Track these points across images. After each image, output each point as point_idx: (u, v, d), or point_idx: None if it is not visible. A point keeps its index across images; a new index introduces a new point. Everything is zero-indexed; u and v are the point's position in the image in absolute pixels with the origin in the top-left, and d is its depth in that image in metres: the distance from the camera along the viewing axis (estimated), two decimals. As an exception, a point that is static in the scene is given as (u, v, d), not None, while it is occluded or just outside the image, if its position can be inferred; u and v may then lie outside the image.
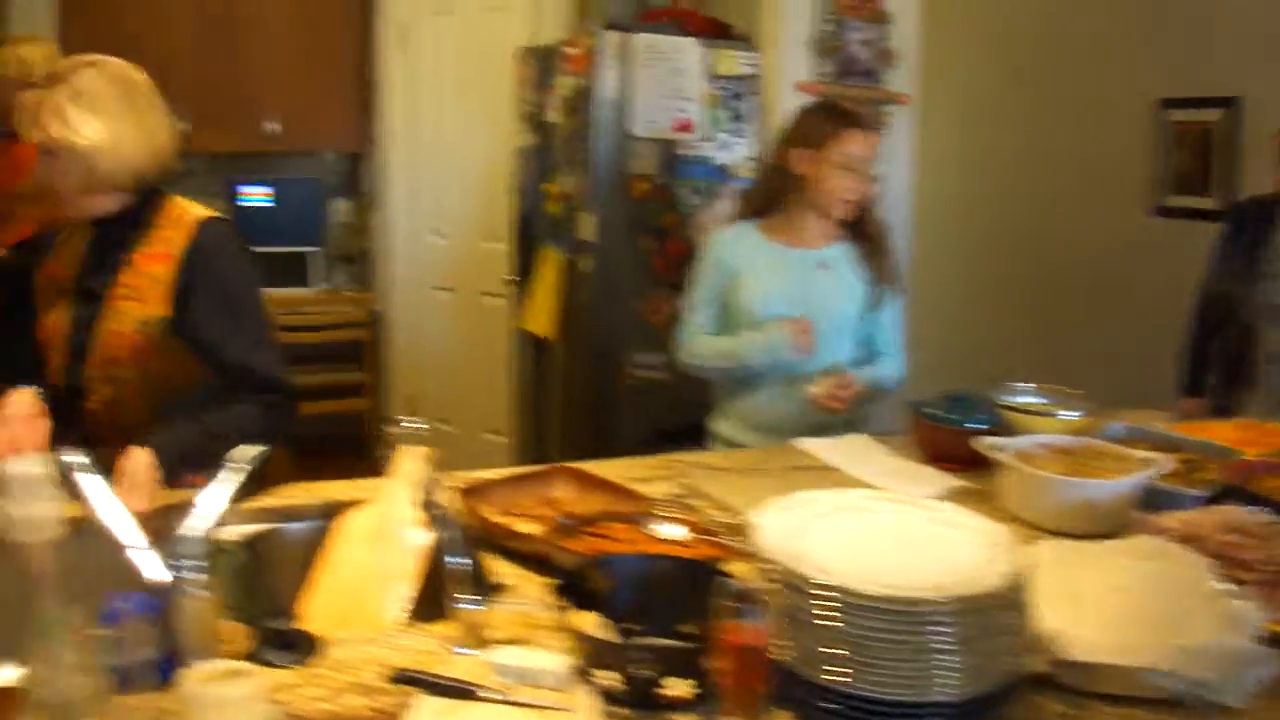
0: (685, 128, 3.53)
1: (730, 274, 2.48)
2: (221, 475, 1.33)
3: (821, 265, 2.48)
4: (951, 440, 2.12)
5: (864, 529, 1.35)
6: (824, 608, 1.15)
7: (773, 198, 2.48)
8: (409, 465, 1.93)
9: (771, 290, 2.42)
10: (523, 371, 4.22)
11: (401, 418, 1.61)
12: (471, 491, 1.84)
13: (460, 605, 1.38)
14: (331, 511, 1.81)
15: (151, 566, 1.30)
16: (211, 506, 1.29)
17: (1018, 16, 3.49)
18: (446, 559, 1.42)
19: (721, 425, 2.61)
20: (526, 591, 1.52)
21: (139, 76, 1.89)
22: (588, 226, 3.48)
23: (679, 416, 3.54)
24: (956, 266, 3.71)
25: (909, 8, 3.74)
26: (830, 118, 2.43)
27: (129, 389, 1.87)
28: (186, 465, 1.73)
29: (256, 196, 5.22)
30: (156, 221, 1.88)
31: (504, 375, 4.51)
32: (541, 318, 3.78)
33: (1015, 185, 3.53)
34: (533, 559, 1.61)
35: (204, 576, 1.23)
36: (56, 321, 1.92)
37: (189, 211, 1.91)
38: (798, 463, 2.19)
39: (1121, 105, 3.13)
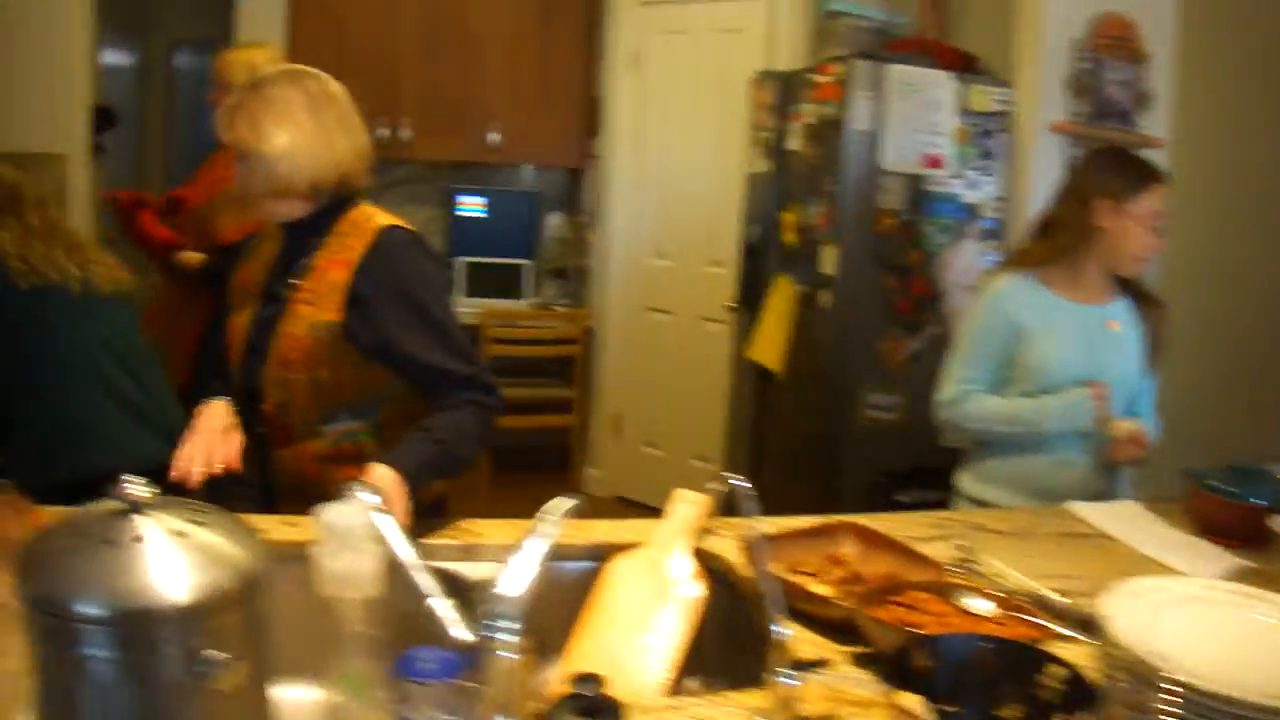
0: (935, 163, 3.41)
1: (1016, 329, 2.34)
2: (540, 529, 1.27)
3: (1108, 322, 2.34)
4: (1233, 514, 2.02)
5: (1213, 622, 1.27)
6: (1173, 705, 1.07)
7: (1063, 249, 2.34)
8: (685, 511, 1.89)
9: (1065, 350, 2.29)
10: (741, 400, 4.16)
11: (729, 476, 1.54)
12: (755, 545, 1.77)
13: (779, 677, 1.31)
14: (601, 554, 1.79)
15: (455, 623, 1.26)
16: (527, 564, 1.21)
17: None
18: (770, 624, 1.36)
19: (972, 484, 2.49)
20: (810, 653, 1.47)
21: (335, 90, 1.91)
22: (829, 259, 3.39)
23: (908, 460, 3.45)
24: (1199, 325, 3.46)
25: (1167, 47, 3.52)
26: (1135, 170, 2.29)
27: (298, 393, 1.88)
28: (422, 478, 1.74)
29: (472, 206, 5.33)
30: (341, 229, 1.89)
31: (718, 402, 4.45)
32: (769, 349, 3.71)
33: (1271, 239, 3.28)
34: (824, 622, 1.54)
35: (516, 638, 1.16)
36: (240, 323, 1.97)
37: (372, 219, 1.91)
38: (1072, 529, 2.10)
39: None
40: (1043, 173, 3.40)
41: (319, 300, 1.86)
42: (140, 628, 0.84)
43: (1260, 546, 1.88)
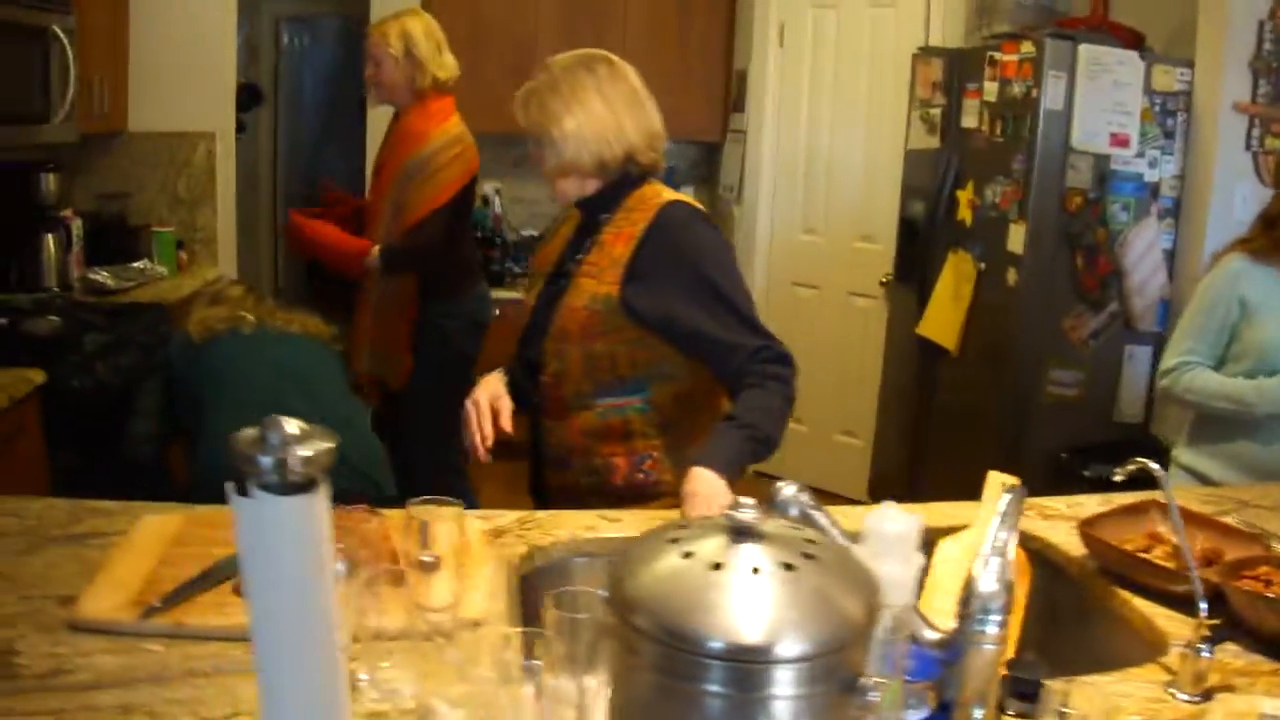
0: (1121, 143, 3.45)
1: (1244, 308, 2.41)
2: (1002, 508, 1.32)
3: None
4: None
5: None
6: None
7: None
8: (1000, 495, 1.96)
9: None
10: (897, 375, 4.23)
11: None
12: (1087, 524, 1.86)
13: (1194, 650, 1.38)
14: (927, 539, 1.84)
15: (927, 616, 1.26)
16: (1002, 549, 1.21)
17: None
18: (1197, 600, 1.42)
19: (1192, 458, 2.55)
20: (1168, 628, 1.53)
21: (625, 72, 1.98)
22: (1017, 237, 3.45)
23: (1087, 436, 3.52)
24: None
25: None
26: None
27: (573, 364, 1.92)
28: (737, 470, 1.76)
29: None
30: (628, 205, 1.93)
31: (867, 377, 4.52)
32: (943, 325, 3.78)
33: None
34: (1167, 596, 1.60)
35: (999, 630, 1.16)
36: (529, 300, 2.06)
37: (659, 195, 1.94)
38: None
39: None
40: (1223, 152, 3.45)
41: (601, 274, 1.91)
42: (764, 667, 0.79)
43: None
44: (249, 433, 0.79)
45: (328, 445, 0.79)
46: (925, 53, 4.12)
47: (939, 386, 3.93)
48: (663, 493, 1.92)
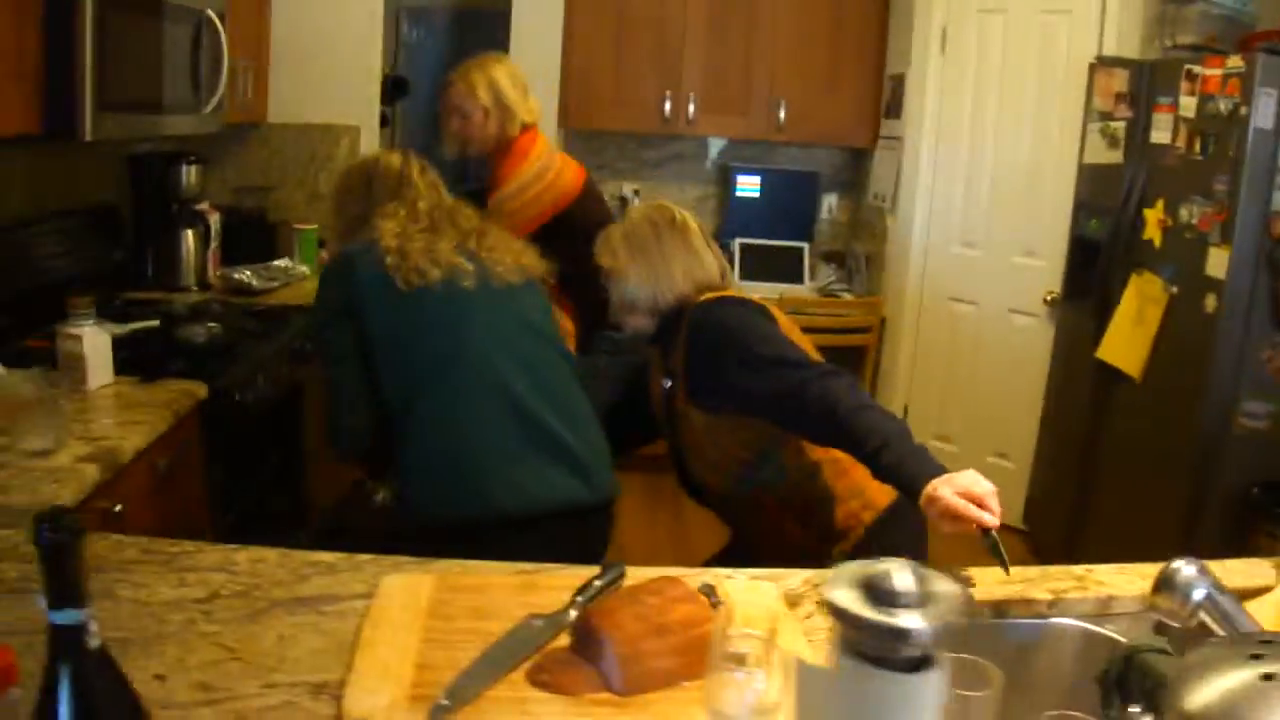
0: (1334, 163, 3.28)
1: None
2: None
3: None
4: None
5: None
6: None
7: None
8: None
9: None
10: (1071, 399, 4.07)
11: None
12: None
13: None
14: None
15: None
16: None
17: None
18: None
19: None
20: None
21: (682, 220, 2.16)
22: (1218, 262, 3.29)
23: (1278, 470, 3.36)
24: None
25: None
26: None
27: (708, 472, 2.20)
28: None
29: (748, 186, 5.31)
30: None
31: (1024, 397, 4.37)
32: (1126, 350, 3.63)
33: None
34: None
35: None
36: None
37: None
38: None
39: None
40: None
41: (681, 392, 2.06)
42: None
43: None
44: (849, 579, 0.65)
45: (949, 602, 0.65)
46: (1105, 63, 3.96)
47: (1115, 413, 3.77)
48: (851, 526, 2.03)
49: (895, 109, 4.90)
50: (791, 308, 4.66)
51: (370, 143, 4.21)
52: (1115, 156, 3.83)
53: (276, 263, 3.85)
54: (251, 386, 2.66)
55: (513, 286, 2.19)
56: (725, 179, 5.33)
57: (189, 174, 3.59)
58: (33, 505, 1.68)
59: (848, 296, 5.04)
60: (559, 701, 1.19)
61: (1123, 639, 1.45)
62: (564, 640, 1.30)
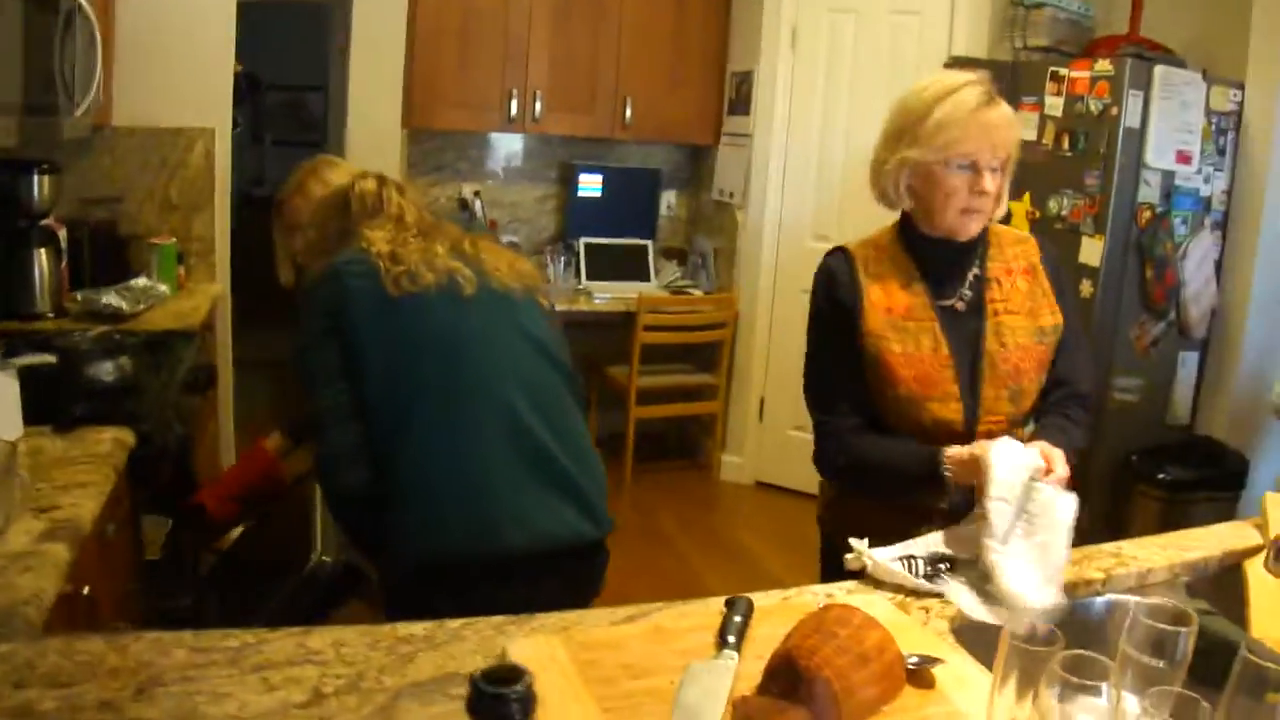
0: (1185, 160, 3.56)
1: None
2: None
3: None
4: None
5: None
6: None
7: None
8: None
9: None
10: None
11: None
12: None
13: None
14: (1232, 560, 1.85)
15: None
16: None
17: None
18: None
19: None
20: None
21: None
22: (1092, 251, 3.50)
23: (1145, 440, 3.62)
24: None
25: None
26: None
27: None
28: None
29: (591, 185, 5.24)
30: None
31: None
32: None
33: None
34: None
35: None
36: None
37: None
38: None
39: None
40: (1273, 169, 3.60)
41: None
42: None
43: None
44: None
45: None
46: (960, 63, 4.13)
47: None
48: None
49: (741, 106, 4.96)
50: (649, 306, 4.64)
51: (224, 147, 3.87)
52: (974, 152, 3.99)
53: (136, 282, 3.41)
54: (170, 427, 2.35)
55: (512, 294, 1.97)
56: (567, 178, 5.21)
57: (41, 185, 3.14)
58: (12, 605, 1.42)
59: (698, 293, 5.06)
60: (784, 749, 1.16)
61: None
62: (742, 686, 1.26)
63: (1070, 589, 1.65)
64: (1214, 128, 3.61)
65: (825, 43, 4.70)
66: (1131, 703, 1.04)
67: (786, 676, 1.20)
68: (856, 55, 4.64)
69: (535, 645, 1.33)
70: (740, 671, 1.29)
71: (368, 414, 1.81)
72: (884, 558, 1.63)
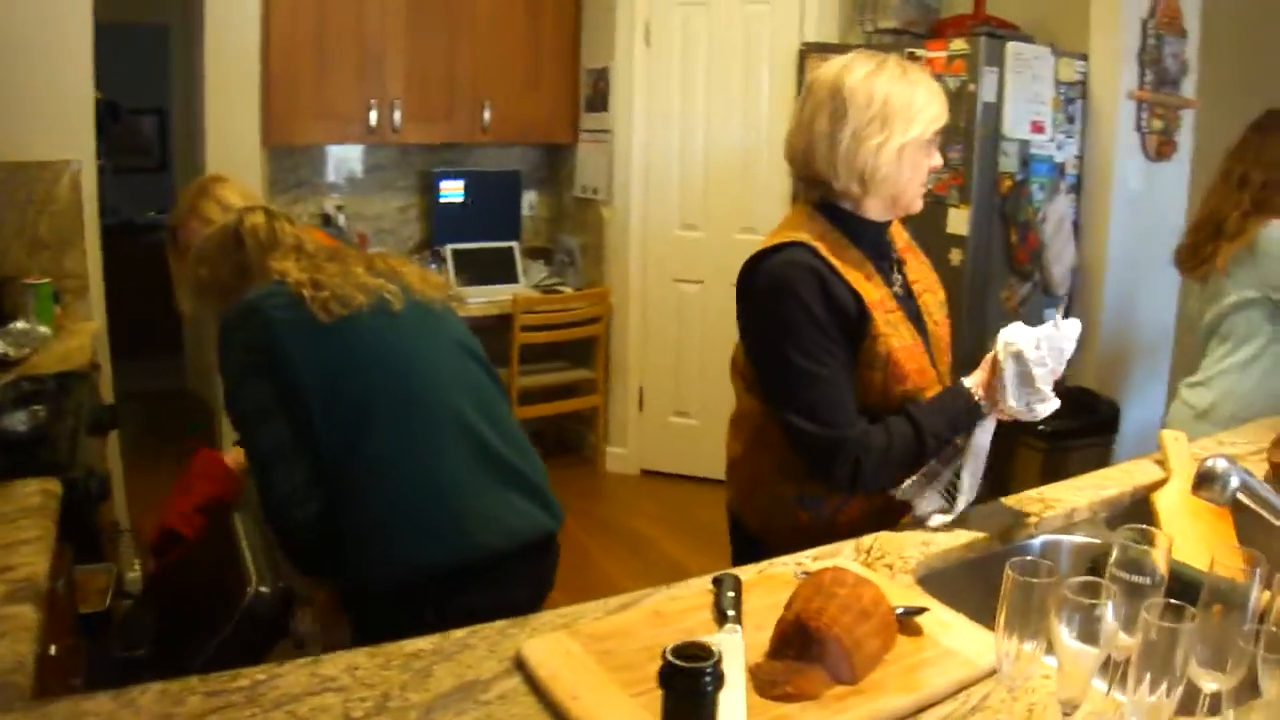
0: (1039, 129, 3.78)
1: None
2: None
3: None
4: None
5: None
6: None
7: None
8: (1183, 443, 2.14)
9: None
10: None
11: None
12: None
13: None
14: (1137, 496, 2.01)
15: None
16: None
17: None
18: None
19: None
20: None
21: None
22: (959, 221, 3.69)
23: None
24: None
25: (1195, 25, 4.07)
26: None
27: None
28: None
29: (453, 191, 5.22)
30: None
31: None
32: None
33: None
34: None
35: None
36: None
37: None
38: None
39: None
40: (1119, 133, 3.87)
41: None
42: None
43: None
44: None
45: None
46: (816, 49, 4.30)
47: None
48: None
49: (599, 102, 5.03)
50: (524, 307, 4.68)
51: (91, 179, 3.70)
52: (838, 134, 4.15)
53: (14, 325, 3.24)
54: (91, 472, 2.27)
55: (434, 305, 2.00)
56: (428, 186, 5.17)
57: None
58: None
59: (569, 290, 5.11)
60: (813, 708, 1.21)
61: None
62: (752, 655, 1.31)
63: (1008, 533, 1.80)
64: (1063, 98, 3.84)
65: (679, 36, 4.80)
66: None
67: (799, 639, 1.27)
68: (710, 46, 4.75)
69: (549, 643, 1.36)
70: (747, 642, 1.34)
71: (316, 444, 1.78)
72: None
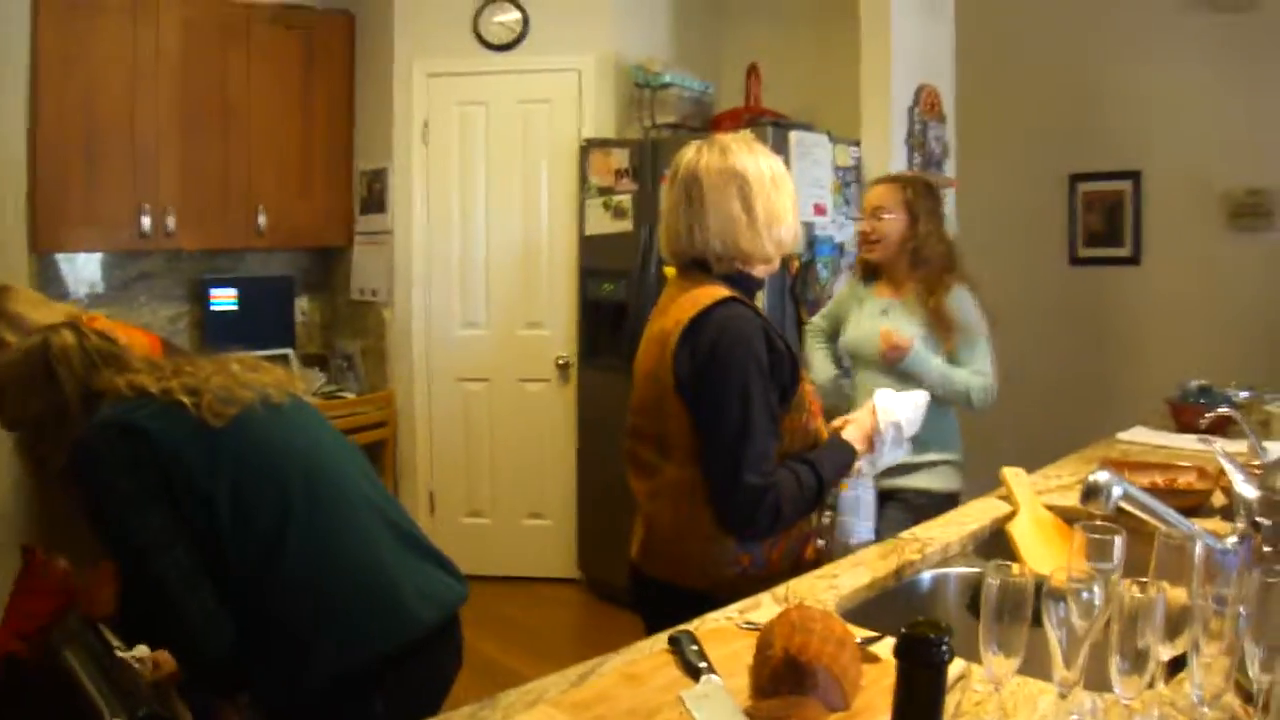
0: (821, 211, 3.89)
1: None
2: None
3: None
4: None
5: None
6: None
7: None
8: (1024, 478, 2.22)
9: None
10: (611, 448, 4.24)
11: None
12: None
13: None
14: (989, 531, 2.13)
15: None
16: None
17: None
18: None
19: None
20: None
21: None
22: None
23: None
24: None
25: (952, 109, 4.35)
26: None
27: None
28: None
29: (225, 299, 4.87)
30: None
31: (549, 457, 4.67)
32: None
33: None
34: None
35: None
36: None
37: None
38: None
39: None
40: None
41: None
42: None
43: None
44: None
45: None
46: (599, 144, 4.30)
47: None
48: None
49: (374, 204, 4.87)
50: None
51: None
52: (623, 225, 4.18)
53: None
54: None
55: (302, 397, 1.96)
56: (199, 294, 4.78)
57: None
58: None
59: (350, 396, 4.81)
60: (815, 738, 1.25)
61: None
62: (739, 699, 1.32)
63: (901, 570, 1.90)
64: (840, 181, 3.99)
65: (457, 134, 4.75)
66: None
67: (791, 675, 1.28)
68: (489, 144, 4.72)
69: (538, 717, 1.30)
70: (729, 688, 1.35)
71: (226, 553, 1.66)
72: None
